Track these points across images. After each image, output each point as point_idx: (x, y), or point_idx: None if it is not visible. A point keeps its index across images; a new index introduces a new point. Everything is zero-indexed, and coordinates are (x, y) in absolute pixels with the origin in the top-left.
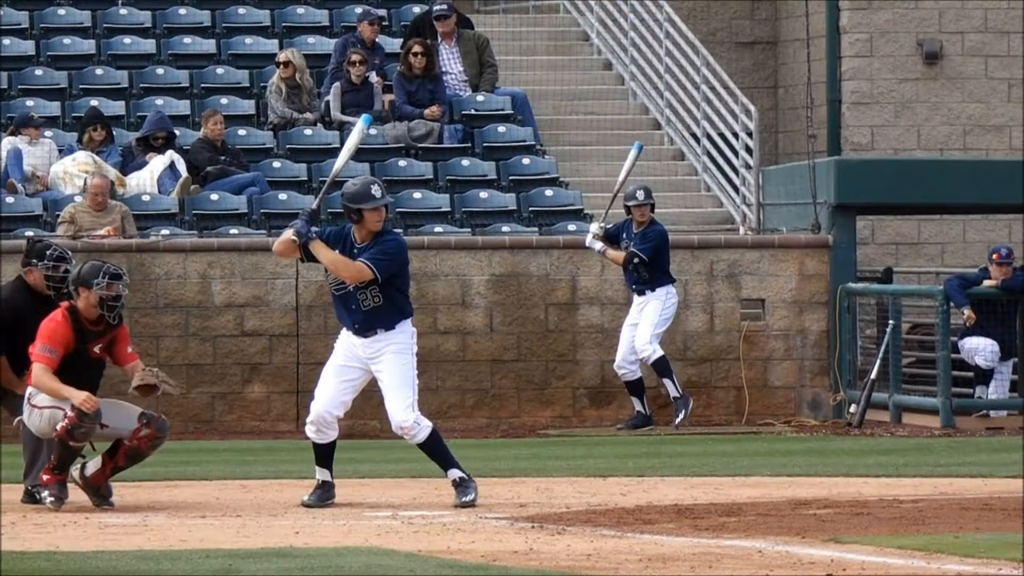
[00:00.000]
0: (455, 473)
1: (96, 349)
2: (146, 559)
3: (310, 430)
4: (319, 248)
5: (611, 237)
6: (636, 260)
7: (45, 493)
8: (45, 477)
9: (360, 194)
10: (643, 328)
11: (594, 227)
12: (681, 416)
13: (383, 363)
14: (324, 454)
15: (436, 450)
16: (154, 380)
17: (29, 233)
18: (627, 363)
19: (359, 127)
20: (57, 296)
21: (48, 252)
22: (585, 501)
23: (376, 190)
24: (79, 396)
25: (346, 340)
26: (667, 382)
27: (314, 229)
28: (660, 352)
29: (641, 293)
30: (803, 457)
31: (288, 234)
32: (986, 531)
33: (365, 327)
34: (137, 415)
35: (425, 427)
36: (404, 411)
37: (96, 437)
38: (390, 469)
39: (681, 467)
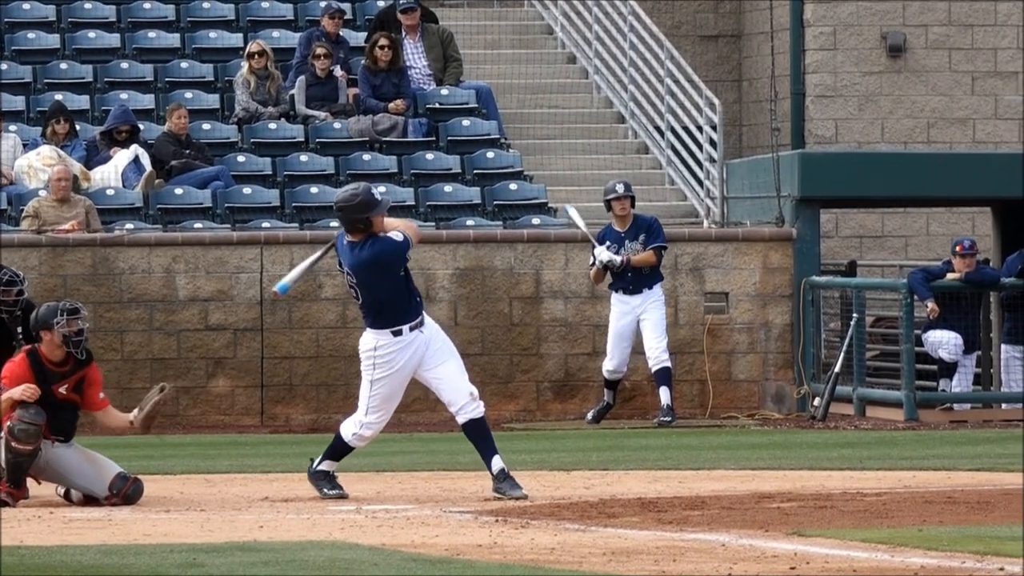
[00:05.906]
0: (499, 463)
1: (62, 390)
2: (110, 553)
3: (364, 439)
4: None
5: (601, 240)
6: (664, 251)
7: None
8: None
9: (369, 202)
10: (656, 337)
11: (600, 251)
12: (668, 420)
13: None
14: (346, 454)
15: (486, 432)
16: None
17: None
18: (621, 371)
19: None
20: (10, 319)
21: None
22: (549, 495)
23: (378, 194)
24: (18, 389)
25: (398, 347)
26: (665, 390)
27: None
28: (669, 362)
29: (636, 292)
30: (767, 450)
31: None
32: (949, 524)
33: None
34: (111, 477)
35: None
36: (467, 382)
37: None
38: (354, 463)
39: (645, 460)
